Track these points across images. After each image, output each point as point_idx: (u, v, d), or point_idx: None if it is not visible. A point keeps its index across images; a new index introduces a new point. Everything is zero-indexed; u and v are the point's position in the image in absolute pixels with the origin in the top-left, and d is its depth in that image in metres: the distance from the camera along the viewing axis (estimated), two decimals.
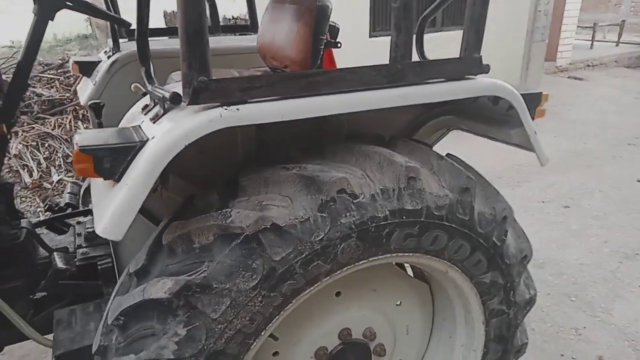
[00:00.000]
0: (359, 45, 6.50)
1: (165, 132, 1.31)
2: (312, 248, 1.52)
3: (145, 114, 1.60)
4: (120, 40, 2.87)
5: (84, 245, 2.38)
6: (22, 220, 2.32)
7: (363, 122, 2.06)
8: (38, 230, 2.48)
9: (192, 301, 1.43)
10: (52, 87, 6.00)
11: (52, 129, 5.55)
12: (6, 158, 4.56)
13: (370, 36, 7.18)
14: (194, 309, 1.44)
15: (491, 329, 2.05)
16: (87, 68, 2.79)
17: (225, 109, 1.32)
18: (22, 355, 3.10)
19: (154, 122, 1.47)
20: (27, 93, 5.70)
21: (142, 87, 2.25)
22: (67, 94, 6.06)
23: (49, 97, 5.78)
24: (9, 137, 2.06)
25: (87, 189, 3.62)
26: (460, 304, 2.08)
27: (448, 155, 1.98)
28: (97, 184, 1.57)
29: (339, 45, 2.59)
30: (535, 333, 3.35)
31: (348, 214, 1.56)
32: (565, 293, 3.80)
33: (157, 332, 1.46)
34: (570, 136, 7.67)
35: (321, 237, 1.53)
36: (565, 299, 3.74)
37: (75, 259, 2.25)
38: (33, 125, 5.50)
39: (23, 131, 5.43)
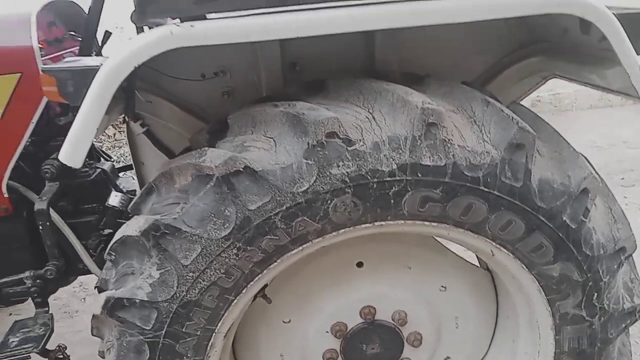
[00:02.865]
0: None
1: (115, 54, 1.22)
2: (294, 200, 1.30)
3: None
4: None
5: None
6: (104, 162, 2.54)
7: (419, 63, 1.71)
8: (124, 175, 2.69)
9: (163, 243, 1.35)
10: None
11: None
12: None
13: None
14: (165, 252, 1.36)
15: (564, 339, 1.55)
16: None
17: (178, 26, 1.17)
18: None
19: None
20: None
21: None
22: None
23: None
24: None
25: None
26: (522, 301, 1.62)
27: (512, 103, 1.52)
28: None
29: None
30: None
31: (341, 164, 1.29)
32: None
33: (135, 271, 1.43)
34: None
35: (305, 188, 1.29)
36: None
37: None
38: None
39: None
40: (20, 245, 2.22)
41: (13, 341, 2.16)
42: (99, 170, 2.38)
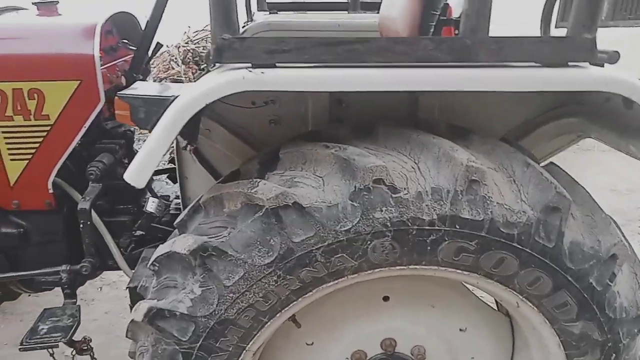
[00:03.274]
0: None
1: (190, 90, 1.31)
2: (336, 237, 1.38)
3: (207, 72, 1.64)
4: (259, 12, 3.01)
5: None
6: None
7: (460, 111, 1.78)
8: (159, 178, 2.80)
9: (208, 263, 1.44)
10: None
11: None
12: None
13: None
14: (209, 272, 1.44)
15: None
16: None
17: (250, 71, 1.26)
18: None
19: (196, 80, 1.49)
20: (190, 52, 6.45)
21: None
22: None
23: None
24: None
25: None
26: (540, 352, 1.68)
27: (550, 164, 1.59)
28: None
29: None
30: None
31: (384, 209, 1.37)
32: None
33: (178, 285, 1.51)
34: None
35: (348, 227, 1.37)
36: None
37: (170, 208, 2.49)
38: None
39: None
40: (58, 239, 2.33)
41: (42, 328, 2.26)
42: None
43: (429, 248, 1.41)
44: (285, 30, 2.82)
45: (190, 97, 1.29)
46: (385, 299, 1.77)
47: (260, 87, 1.27)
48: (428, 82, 1.30)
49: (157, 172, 2.88)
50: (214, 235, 1.45)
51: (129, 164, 2.56)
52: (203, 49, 7.14)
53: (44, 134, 2.09)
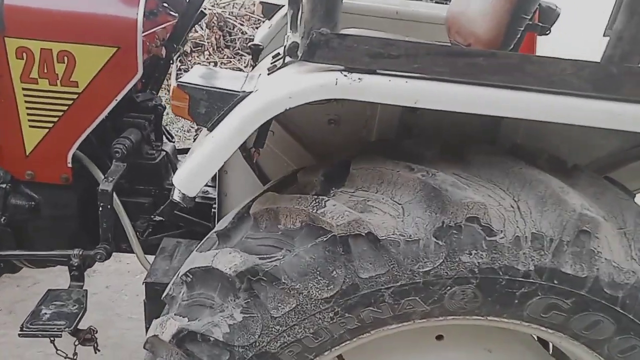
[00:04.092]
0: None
1: (268, 89, 1.08)
2: (411, 278, 1.17)
3: (271, 63, 1.40)
4: None
5: (210, 184, 2.38)
6: (168, 143, 2.42)
7: (544, 136, 1.55)
8: (181, 157, 2.57)
9: (256, 288, 1.23)
10: (257, 27, 6.40)
11: (245, 66, 5.95)
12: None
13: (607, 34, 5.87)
14: (255, 298, 1.24)
15: None
16: (269, 10, 2.74)
17: (345, 76, 1.02)
18: None
19: (269, 74, 1.26)
20: (234, 29, 6.17)
21: None
22: None
23: (250, 36, 6.17)
24: (170, 62, 2.09)
25: None
26: None
27: None
28: None
29: (547, 32, 2.02)
30: None
31: (473, 252, 1.15)
32: None
33: (215, 305, 1.31)
34: None
35: (428, 269, 1.16)
36: None
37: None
38: (231, 59, 5.96)
39: (222, 64, 5.93)
40: (70, 217, 2.13)
41: (45, 313, 2.07)
42: (163, 153, 2.26)
43: (516, 301, 1.20)
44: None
45: (268, 98, 1.06)
46: (439, 337, 1.57)
47: (355, 96, 1.04)
48: (554, 112, 1.07)
49: (181, 151, 2.65)
50: (265, 256, 1.24)
51: (156, 142, 2.37)
52: (229, 14, 6.81)
53: (70, 102, 1.86)
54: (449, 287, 1.18)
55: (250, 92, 1.15)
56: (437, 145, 1.33)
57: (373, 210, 1.20)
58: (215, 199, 2.29)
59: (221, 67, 6.09)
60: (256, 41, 2.69)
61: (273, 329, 1.24)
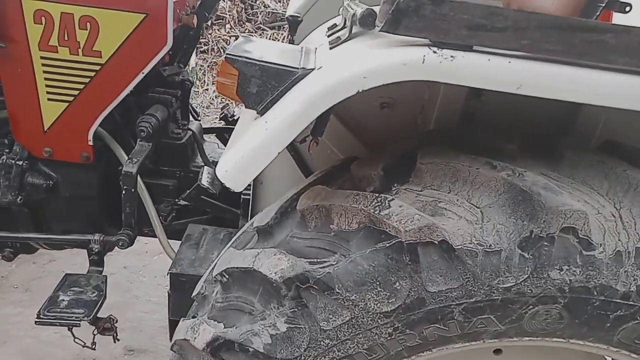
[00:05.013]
0: None
1: (338, 66, 0.89)
2: (488, 295, 1.00)
3: (328, 36, 1.20)
4: None
5: None
6: (194, 122, 2.25)
7: (620, 128, 1.35)
8: (206, 137, 2.41)
9: (304, 297, 1.07)
10: (279, 1, 6.14)
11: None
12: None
13: None
14: (303, 308, 1.08)
15: None
16: None
17: (434, 52, 0.83)
18: None
19: (331, 48, 1.07)
20: (256, 1, 5.92)
21: None
22: None
23: (273, 9, 5.93)
24: (200, 32, 1.91)
25: None
26: None
27: None
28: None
29: (627, 9, 1.78)
30: None
31: (565, 268, 0.98)
32: None
33: (255, 312, 1.16)
34: None
35: (509, 285, 0.99)
36: None
37: None
38: (253, 34, 5.74)
39: (242, 37, 5.73)
40: (89, 198, 1.98)
41: (63, 299, 1.95)
42: (190, 133, 2.10)
43: (608, 325, 1.03)
44: None
45: (336, 78, 0.88)
46: (497, 351, 1.41)
47: (445, 79, 0.85)
48: None
49: (207, 130, 2.49)
50: (316, 261, 1.08)
51: (182, 120, 2.20)
52: None
53: (92, 73, 1.70)
54: (531, 307, 1.01)
55: (311, 70, 0.97)
56: (516, 138, 1.14)
57: (446, 213, 1.03)
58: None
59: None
60: (290, 12, 2.48)
61: (322, 342, 1.09)
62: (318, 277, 1.05)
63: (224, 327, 1.17)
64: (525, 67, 0.87)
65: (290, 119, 0.91)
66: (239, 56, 0.97)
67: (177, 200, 2.11)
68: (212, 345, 1.16)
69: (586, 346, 1.10)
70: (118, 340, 2.10)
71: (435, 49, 0.85)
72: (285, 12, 6.13)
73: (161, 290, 3.56)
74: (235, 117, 2.70)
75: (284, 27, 5.96)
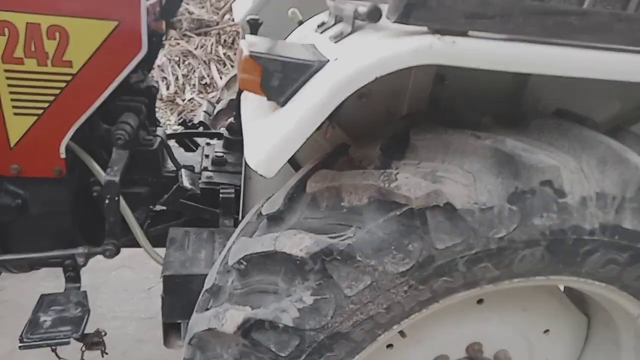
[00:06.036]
0: None
1: (357, 54, 1.01)
2: (486, 246, 1.18)
3: (321, 33, 1.32)
4: None
5: (210, 169, 2.26)
6: (158, 128, 2.26)
7: (564, 96, 1.59)
8: (171, 143, 2.42)
9: (329, 269, 1.19)
10: (203, 7, 6.09)
11: (195, 48, 5.67)
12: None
13: None
14: (328, 279, 1.19)
15: None
16: None
17: (438, 39, 0.98)
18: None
19: (336, 42, 1.19)
20: (180, 9, 5.84)
21: (299, 15, 1.98)
22: (215, 17, 6.12)
23: (198, 16, 5.87)
24: (163, 38, 1.93)
25: (221, 112, 3.58)
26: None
27: None
28: (250, 103, 1.35)
29: None
30: None
31: (545, 215, 1.18)
32: None
33: (280, 291, 1.25)
34: None
35: (502, 234, 1.17)
36: None
37: (200, 181, 2.15)
38: (179, 41, 5.65)
39: (169, 45, 5.61)
40: (63, 214, 1.94)
41: (45, 320, 1.90)
42: (159, 139, 2.11)
43: (578, 259, 1.25)
44: None
45: (359, 64, 0.99)
46: (480, 301, 1.61)
47: (449, 62, 1.00)
48: None
49: (168, 137, 2.49)
50: (335, 235, 1.19)
51: (150, 127, 2.20)
52: None
53: (63, 84, 1.67)
54: (520, 251, 1.21)
55: (326, 62, 1.09)
56: (487, 113, 1.33)
57: (444, 181, 1.19)
58: (220, 183, 2.19)
59: (169, 48, 5.75)
60: (238, 16, 2.55)
61: (346, 308, 1.21)
62: (341, 248, 1.16)
63: (252, 309, 1.25)
64: (513, 48, 1.04)
65: (316, 107, 1.02)
66: (262, 53, 1.05)
67: (151, 207, 2.12)
68: (243, 328, 1.23)
69: (559, 280, 1.32)
70: (106, 354, 2.06)
71: (438, 36, 1.00)
72: (210, 17, 6.07)
73: (126, 304, 3.46)
74: (194, 122, 2.73)
75: (209, 33, 5.92)
